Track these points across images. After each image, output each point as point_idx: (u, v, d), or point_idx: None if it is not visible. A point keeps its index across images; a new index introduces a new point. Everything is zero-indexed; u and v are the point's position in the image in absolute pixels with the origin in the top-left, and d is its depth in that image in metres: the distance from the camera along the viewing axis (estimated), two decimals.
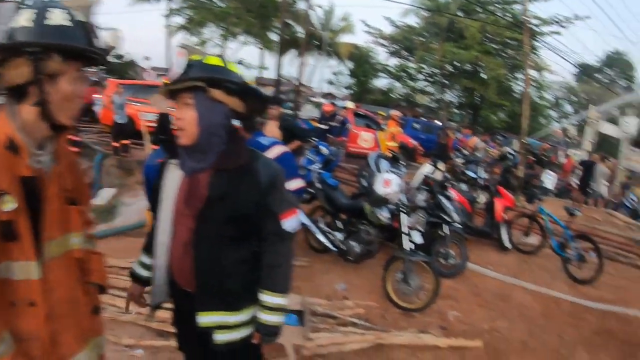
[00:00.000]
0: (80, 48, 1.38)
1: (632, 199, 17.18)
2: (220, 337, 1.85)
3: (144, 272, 2.07)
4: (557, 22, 26.17)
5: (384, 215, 5.20)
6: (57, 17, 1.34)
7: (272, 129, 5.82)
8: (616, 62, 39.88)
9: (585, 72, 35.87)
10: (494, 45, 28.76)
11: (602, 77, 39.60)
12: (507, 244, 7.38)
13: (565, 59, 60.85)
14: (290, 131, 6.33)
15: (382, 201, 5.11)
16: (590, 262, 6.80)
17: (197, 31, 28.96)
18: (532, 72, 28.57)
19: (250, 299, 1.90)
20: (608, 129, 22.32)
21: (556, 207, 8.98)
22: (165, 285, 1.93)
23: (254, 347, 1.95)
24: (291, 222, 1.94)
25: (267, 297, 1.88)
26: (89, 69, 1.49)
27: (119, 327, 3.70)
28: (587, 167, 14.22)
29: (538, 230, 7.67)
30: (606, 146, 30.32)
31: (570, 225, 7.35)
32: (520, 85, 28.77)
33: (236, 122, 1.94)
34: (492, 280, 6.10)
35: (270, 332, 1.91)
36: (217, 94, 1.77)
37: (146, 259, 2.06)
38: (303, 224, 5.61)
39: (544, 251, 7.50)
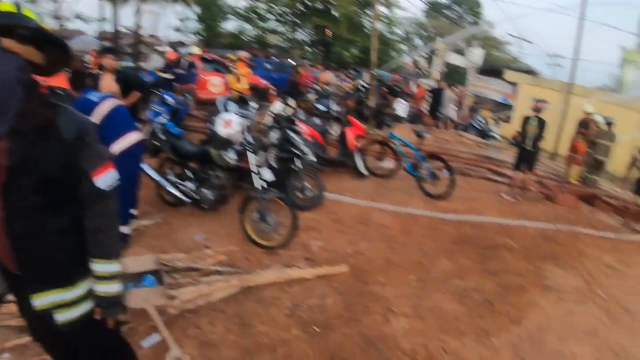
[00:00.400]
0: None
1: (479, 121, 18.76)
2: (60, 317, 1.70)
3: None
4: None
5: (230, 156, 5.06)
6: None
7: (108, 83, 5.57)
8: (464, 0, 42.52)
9: (434, 8, 37.92)
10: None
11: (451, 13, 42.19)
12: (363, 170, 7.66)
13: None
14: (128, 83, 5.93)
15: (226, 142, 4.98)
16: (443, 179, 7.33)
17: None
18: (382, 9, 29.55)
19: (83, 271, 1.74)
20: (455, 59, 23.96)
21: (407, 131, 9.41)
22: None
23: (100, 322, 1.78)
24: (105, 178, 1.74)
25: (97, 266, 1.73)
26: None
27: None
28: (436, 94, 15.05)
29: (391, 154, 8.02)
30: (454, 75, 32.74)
31: (422, 147, 7.77)
32: (371, 21, 29.39)
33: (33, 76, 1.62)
34: (351, 206, 6.29)
35: (111, 303, 1.77)
36: (8, 42, 1.52)
37: None
38: (152, 179, 5.35)
39: (399, 173, 7.91)
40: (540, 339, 4.07)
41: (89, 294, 1.75)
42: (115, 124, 4.28)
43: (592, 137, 10.89)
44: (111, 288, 1.75)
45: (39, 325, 1.78)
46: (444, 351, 3.55)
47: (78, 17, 28.39)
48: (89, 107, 4.12)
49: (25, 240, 1.61)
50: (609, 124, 11.14)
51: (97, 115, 4.13)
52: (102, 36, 25.05)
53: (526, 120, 8.37)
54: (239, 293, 3.82)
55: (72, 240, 1.71)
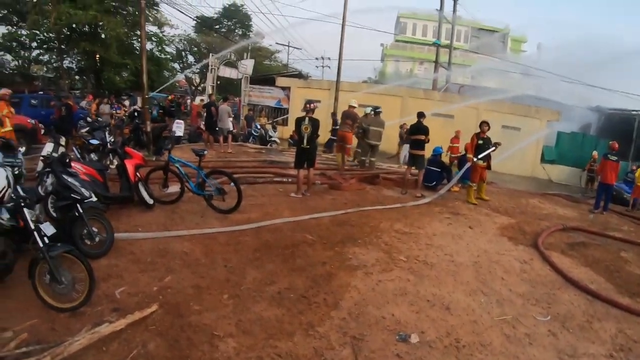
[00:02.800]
0: None
1: (257, 128, 19.53)
2: None
3: None
4: None
5: (3, 217, 4.36)
6: None
7: None
8: (234, 14, 43.48)
9: (204, 24, 37.92)
10: (113, 4, 27.38)
11: (221, 27, 42.68)
12: (149, 201, 7.38)
13: (184, 13, 62.80)
14: None
15: None
16: (231, 192, 7.45)
17: None
18: (152, 28, 28.59)
19: None
20: (227, 72, 24.53)
21: (187, 152, 9.41)
22: None
23: None
24: None
25: None
26: None
27: None
28: (209, 109, 15.08)
29: (175, 179, 7.88)
30: (229, 87, 33.42)
31: (204, 165, 7.85)
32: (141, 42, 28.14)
33: None
34: (147, 242, 5.98)
35: None
36: None
37: None
38: None
39: (187, 196, 7.82)
40: (361, 313, 4.46)
41: None
42: None
43: (363, 126, 12.16)
44: None
45: None
46: (279, 356, 3.65)
47: None
48: None
49: None
50: (377, 112, 12.65)
51: None
52: None
53: (299, 121, 8.93)
54: None
55: None
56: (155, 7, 27.65)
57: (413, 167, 11.00)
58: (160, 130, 14.11)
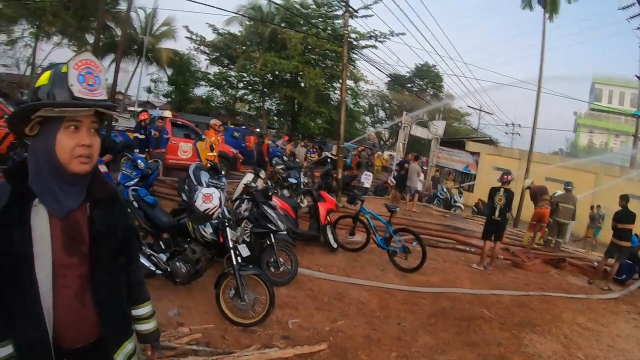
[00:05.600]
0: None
1: (443, 191, 19.10)
2: None
3: None
4: (374, 37, 27.99)
5: (207, 231, 4.88)
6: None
7: None
8: (425, 74, 44.44)
9: (397, 81, 39.38)
10: (314, 56, 30.03)
11: (413, 86, 43.89)
12: (334, 245, 7.62)
13: (380, 70, 66.48)
14: (101, 144, 5.66)
15: (204, 217, 4.78)
16: (415, 251, 7.36)
17: (7, 28, 25.12)
18: (349, 82, 30.54)
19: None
20: (418, 132, 24.72)
21: (377, 205, 9.51)
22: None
23: None
24: None
25: (146, 309, 1.89)
26: None
27: None
28: (402, 166, 15.24)
29: (362, 228, 8.03)
30: (417, 146, 33.71)
31: (391, 221, 7.79)
32: (337, 93, 30.23)
33: None
34: (326, 282, 6.18)
35: (157, 337, 1.95)
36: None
37: (8, 349, 1.51)
38: None
39: (370, 247, 7.88)
40: None
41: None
42: None
43: (554, 202, 11.22)
44: (155, 324, 1.93)
45: None
46: None
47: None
48: None
49: (110, 302, 1.65)
50: (568, 188, 11.55)
51: None
52: None
53: (494, 191, 8.53)
54: None
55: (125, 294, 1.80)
56: (353, 63, 29.41)
57: (611, 258, 9.56)
58: (350, 179, 14.61)
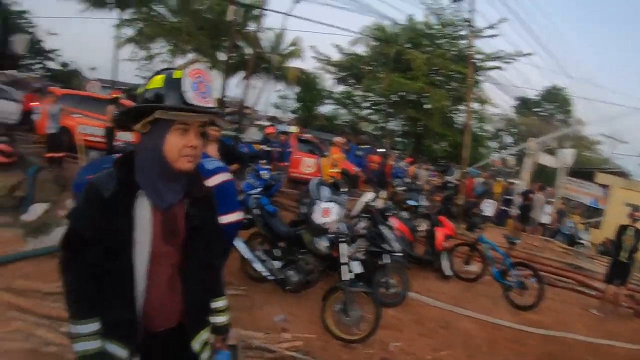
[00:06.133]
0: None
1: (569, 226, 17.74)
2: (204, 355, 1.89)
3: (98, 344, 1.63)
4: (500, 57, 27.10)
5: (323, 244, 5.03)
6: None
7: (211, 151, 5.59)
8: (554, 97, 41.80)
9: (524, 105, 37.50)
10: (439, 78, 29.43)
11: (541, 110, 41.43)
12: (448, 272, 7.43)
13: (506, 93, 63.77)
14: (229, 153, 6.10)
15: (321, 230, 4.95)
16: (531, 288, 6.90)
17: (145, 45, 28.17)
18: (474, 105, 29.64)
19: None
20: (546, 160, 23.24)
21: (496, 235, 9.12)
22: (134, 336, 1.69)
23: None
24: None
25: (223, 302, 2.00)
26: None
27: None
28: (527, 196, 14.51)
29: (479, 258, 7.75)
30: (542, 176, 31.66)
31: (510, 253, 7.43)
32: (462, 116, 29.45)
33: None
34: (434, 309, 6.06)
35: (227, 330, 2.03)
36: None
37: (95, 325, 1.62)
38: (240, 253, 5.42)
39: (484, 279, 7.59)
40: None
41: None
42: (223, 198, 4.44)
43: None
44: (228, 318, 2.03)
45: None
46: None
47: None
48: (203, 174, 4.34)
49: (195, 289, 1.78)
50: None
51: (208, 184, 4.34)
52: None
53: (622, 229, 7.80)
54: None
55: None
56: (478, 85, 28.45)
57: None
58: (471, 206, 14.22)
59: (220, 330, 2.00)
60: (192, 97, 1.56)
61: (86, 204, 1.62)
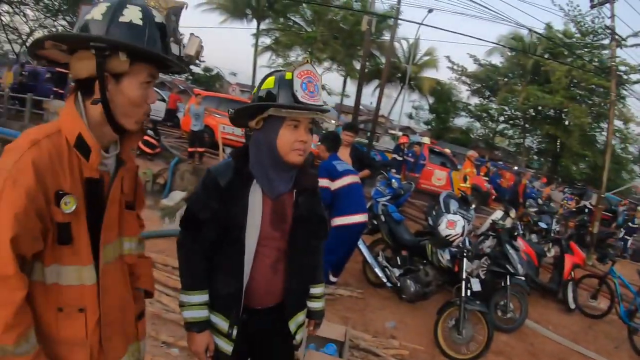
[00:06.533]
0: (149, 52, 1.28)
1: None
2: (299, 336, 2.02)
3: (206, 313, 1.88)
4: None
5: (445, 257, 5.05)
6: (131, 15, 1.25)
7: (343, 155, 5.78)
8: None
9: None
10: (579, 92, 27.34)
11: None
12: (572, 305, 7.00)
13: None
14: (361, 160, 6.31)
15: (444, 242, 4.96)
16: None
17: (283, 53, 29.64)
18: (617, 123, 27.05)
19: None
20: None
21: (630, 270, 8.42)
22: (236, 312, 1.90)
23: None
24: None
25: (320, 289, 2.15)
26: (168, 75, 1.46)
27: (161, 324, 3.83)
28: None
29: (607, 293, 7.17)
30: None
31: None
32: (604, 135, 26.75)
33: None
34: (551, 342, 5.75)
35: (321, 315, 2.18)
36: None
37: (204, 297, 1.88)
38: (363, 255, 5.61)
39: (610, 317, 7.03)
40: None
41: None
42: (349, 198, 4.67)
43: None
44: (323, 304, 2.17)
45: (271, 347, 2.02)
46: None
47: (323, 88, 32.12)
48: (333, 173, 4.61)
49: (297, 273, 1.93)
50: None
51: (337, 184, 4.58)
52: (340, 109, 27.58)
53: None
54: None
55: None
56: (622, 100, 25.82)
57: None
58: (607, 236, 13.22)
59: (315, 315, 2.14)
60: (301, 95, 1.70)
61: (204, 190, 1.83)
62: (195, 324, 1.84)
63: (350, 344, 3.98)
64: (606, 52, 23.42)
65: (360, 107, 18.36)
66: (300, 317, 2.02)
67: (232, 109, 1.88)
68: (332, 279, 5.11)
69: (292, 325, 1.96)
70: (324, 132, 7.92)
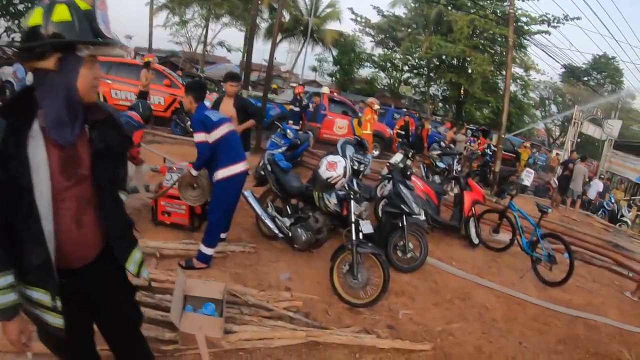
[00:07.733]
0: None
1: (611, 202, 16.99)
2: (145, 273, 1.96)
3: (12, 297, 1.62)
4: (546, 21, 25.39)
5: (332, 201, 4.74)
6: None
7: (226, 107, 5.75)
8: (604, 66, 39.58)
9: (572, 73, 35.73)
10: (481, 41, 28.17)
11: (589, 80, 39.41)
12: (475, 240, 7.02)
13: (553, 58, 60.91)
14: (245, 109, 6.09)
15: (326, 185, 4.63)
16: (561, 263, 6.46)
17: (179, 11, 28.57)
18: (519, 70, 28.35)
19: None
20: (591, 130, 22.15)
21: (528, 203, 8.62)
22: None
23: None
24: None
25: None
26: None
27: None
28: (566, 166, 13.90)
29: (508, 227, 7.29)
30: (587, 147, 30.35)
31: (542, 224, 6.96)
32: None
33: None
34: (455, 278, 5.68)
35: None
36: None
37: (7, 279, 1.60)
38: (252, 208, 5.28)
39: (513, 249, 7.14)
40: None
41: None
42: (229, 148, 4.40)
43: None
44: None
45: (111, 300, 1.89)
46: None
47: (221, 44, 31.00)
48: (208, 125, 4.28)
49: (113, 212, 1.79)
50: None
51: (212, 136, 4.27)
52: (242, 66, 26.74)
53: None
54: (304, 345, 3.49)
55: None
56: (523, 49, 27.08)
57: None
58: (508, 174, 13.90)
59: None
60: (104, 29, 1.54)
61: None
62: (6, 311, 1.61)
63: (240, 301, 3.77)
64: (507, 3, 24.16)
65: (263, 61, 17.79)
66: (137, 254, 1.91)
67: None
68: (222, 235, 4.85)
69: (132, 267, 1.87)
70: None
